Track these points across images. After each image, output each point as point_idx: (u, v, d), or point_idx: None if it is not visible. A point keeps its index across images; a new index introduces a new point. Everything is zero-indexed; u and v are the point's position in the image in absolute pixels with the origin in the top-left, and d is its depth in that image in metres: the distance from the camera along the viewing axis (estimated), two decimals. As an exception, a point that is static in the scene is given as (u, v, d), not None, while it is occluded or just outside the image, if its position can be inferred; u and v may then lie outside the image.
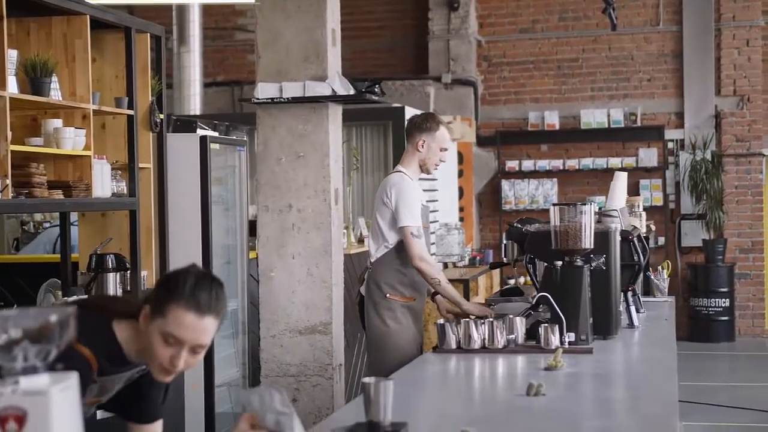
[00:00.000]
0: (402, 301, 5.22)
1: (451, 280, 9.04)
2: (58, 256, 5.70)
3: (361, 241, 7.98)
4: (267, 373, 5.76)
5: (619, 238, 4.70)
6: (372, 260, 5.31)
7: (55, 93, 4.91)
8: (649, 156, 12.66)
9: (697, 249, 12.61)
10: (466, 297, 9.03)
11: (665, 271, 6.41)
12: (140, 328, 2.61)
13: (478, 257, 11.37)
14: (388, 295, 5.21)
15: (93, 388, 2.66)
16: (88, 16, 5.15)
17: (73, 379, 1.77)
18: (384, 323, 5.19)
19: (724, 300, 12.25)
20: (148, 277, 5.83)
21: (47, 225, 8.34)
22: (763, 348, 12.19)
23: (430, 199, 10.24)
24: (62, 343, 1.76)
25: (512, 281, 12.25)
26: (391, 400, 2.69)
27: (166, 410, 2.95)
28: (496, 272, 11.46)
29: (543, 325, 4.20)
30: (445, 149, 5.36)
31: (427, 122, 5.33)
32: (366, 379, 2.71)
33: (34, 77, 4.78)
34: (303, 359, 5.72)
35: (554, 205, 4.42)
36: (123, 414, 2.90)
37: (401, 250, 5.19)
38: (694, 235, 12.60)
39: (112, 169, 5.47)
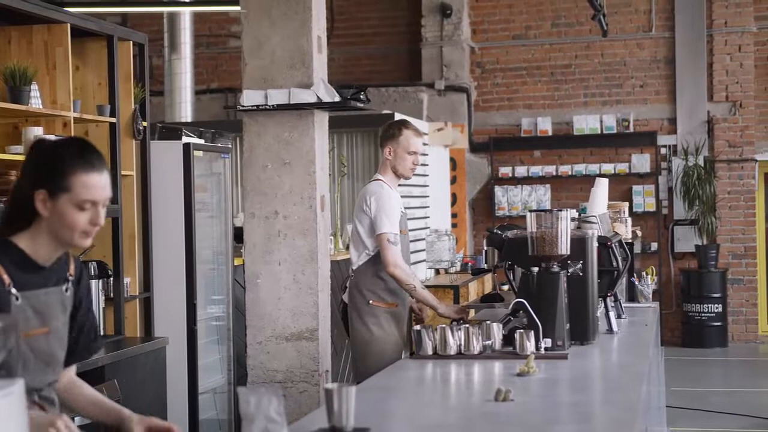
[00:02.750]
0: (385, 308, 5.28)
1: (441, 287, 9.12)
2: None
3: (348, 247, 7.99)
4: (253, 380, 5.77)
5: (597, 244, 4.70)
6: (354, 268, 5.41)
7: (36, 101, 4.93)
8: (641, 162, 12.67)
9: (690, 254, 12.62)
10: (456, 303, 9.04)
11: (649, 277, 6.42)
12: (42, 214, 2.68)
13: (470, 263, 11.38)
14: (371, 301, 5.31)
15: (22, 306, 2.67)
16: (68, 25, 5.17)
17: (17, 385, 1.79)
18: (368, 330, 5.27)
19: (716, 305, 12.26)
20: (131, 284, 5.84)
21: None
22: (756, 353, 12.19)
23: (421, 205, 10.28)
24: (6, 349, 1.77)
25: (506, 287, 12.25)
26: (353, 406, 2.70)
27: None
28: (488, 278, 11.48)
29: (519, 331, 4.21)
30: (414, 152, 5.43)
31: (390, 129, 5.48)
32: (328, 386, 2.73)
33: (13, 85, 4.80)
34: (289, 366, 5.73)
35: (531, 211, 4.44)
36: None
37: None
38: (686, 240, 12.60)
39: (95, 176, 5.48)
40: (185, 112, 10.55)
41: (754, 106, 12.63)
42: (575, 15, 12.94)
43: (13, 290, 2.66)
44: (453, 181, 12.33)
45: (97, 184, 2.69)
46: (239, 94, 13.96)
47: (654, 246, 12.57)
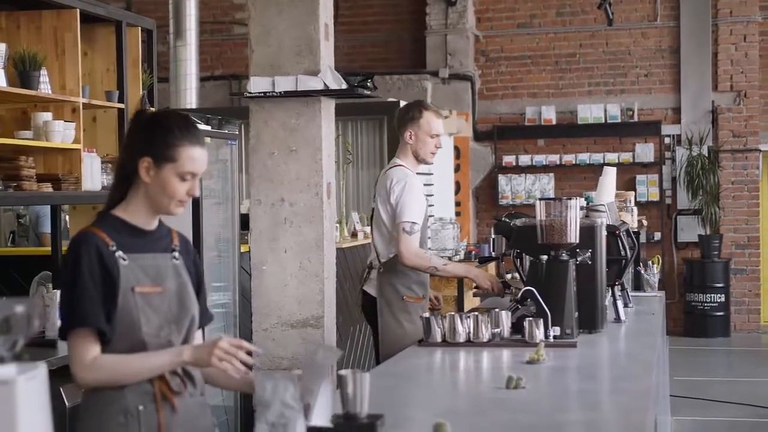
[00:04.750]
0: (416, 302, 5.12)
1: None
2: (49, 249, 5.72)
3: (354, 235, 8.00)
4: (259, 367, 5.77)
5: (605, 233, 4.70)
6: (382, 260, 5.17)
7: (45, 86, 4.93)
8: (645, 151, 12.67)
9: (693, 244, 12.63)
10: (461, 291, 9.03)
11: (655, 266, 6.43)
12: (144, 180, 2.83)
13: (474, 252, 11.38)
14: (405, 297, 5.11)
15: (131, 266, 2.81)
16: (78, 10, 5.17)
17: (40, 369, 1.79)
18: (401, 326, 5.07)
19: (719, 295, 12.28)
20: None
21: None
22: (758, 343, 12.21)
23: (425, 194, 10.26)
24: (29, 333, 1.78)
25: (509, 276, 12.26)
26: (367, 392, 2.71)
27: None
28: (492, 266, 11.49)
29: (528, 319, 4.21)
30: (436, 135, 5.20)
31: (409, 112, 5.24)
32: (342, 372, 2.73)
33: (22, 70, 4.80)
34: (295, 353, 5.73)
35: (540, 199, 4.43)
36: None
37: None
38: (690, 230, 12.61)
39: (103, 162, 5.49)
40: (190, 99, 10.53)
41: (759, 96, 12.62)
42: (580, 4, 12.92)
43: (119, 252, 2.80)
44: (457, 169, 12.32)
45: (200, 157, 2.86)
46: (243, 81, 13.95)
47: (657, 236, 12.57)
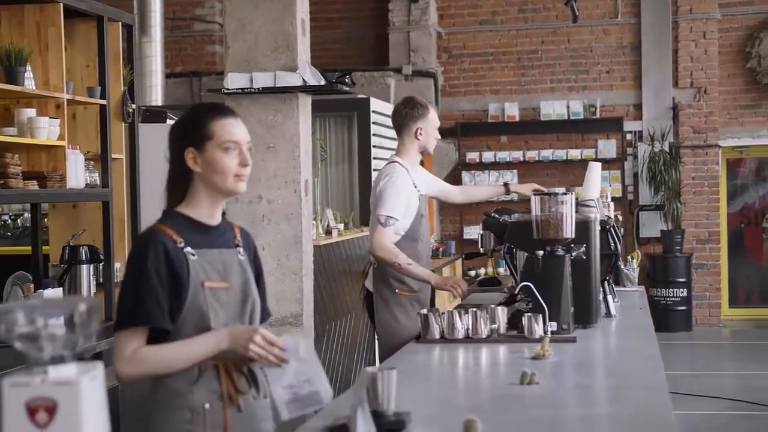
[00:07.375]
0: (411, 295, 5.13)
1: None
2: (29, 248, 5.60)
3: (328, 232, 7.95)
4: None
5: (599, 228, 4.72)
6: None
7: (29, 82, 4.84)
8: (608, 147, 12.76)
9: (656, 239, 12.74)
10: (432, 289, 9.00)
11: (635, 260, 6.46)
12: (196, 171, 2.83)
13: (440, 249, 11.41)
14: (397, 290, 5.12)
15: (200, 261, 2.80)
16: (61, 5, 5.07)
17: (99, 369, 1.75)
18: (396, 320, 5.09)
19: (681, 290, 12.39)
20: (122, 268, 5.75)
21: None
22: (719, 337, 12.35)
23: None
24: (90, 332, 1.74)
25: (473, 272, 12.30)
26: (394, 389, 2.69)
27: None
28: (458, 263, 11.53)
29: (526, 314, 4.21)
30: (437, 127, 5.35)
31: (417, 110, 5.25)
32: (370, 369, 2.70)
33: (8, 66, 4.70)
34: (274, 351, 5.69)
35: (535, 194, 4.43)
36: None
37: (405, 244, 5.09)
38: (652, 225, 12.72)
39: (85, 159, 5.40)
40: (156, 96, 10.39)
41: (718, 92, 12.75)
42: (542, 0, 12.98)
43: (188, 248, 2.79)
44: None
45: (235, 126, 2.86)
46: (204, 78, 13.68)
47: (620, 231, 12.65)
